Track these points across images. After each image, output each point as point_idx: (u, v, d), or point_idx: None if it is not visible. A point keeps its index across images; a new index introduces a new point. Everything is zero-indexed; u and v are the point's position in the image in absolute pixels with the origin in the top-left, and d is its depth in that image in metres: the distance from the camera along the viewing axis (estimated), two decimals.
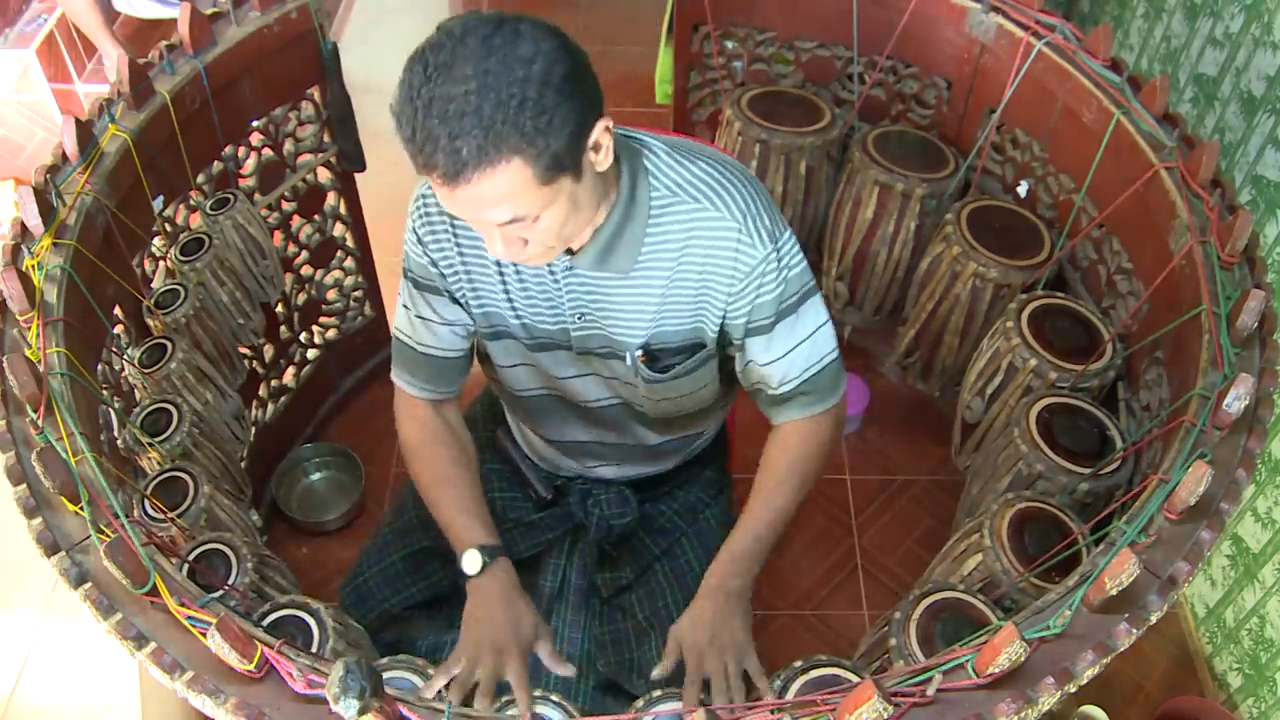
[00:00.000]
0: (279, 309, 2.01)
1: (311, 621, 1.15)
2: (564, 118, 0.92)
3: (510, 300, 1.20)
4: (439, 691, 1.08)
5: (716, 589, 1.20)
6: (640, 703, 1.05)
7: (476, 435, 1.52)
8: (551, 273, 1.15)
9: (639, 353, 1.19)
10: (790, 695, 1.04)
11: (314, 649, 1.12)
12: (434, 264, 1.21)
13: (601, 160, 1.01)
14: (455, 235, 1.18)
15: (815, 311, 1.20)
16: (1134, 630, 0.96)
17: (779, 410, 1.26)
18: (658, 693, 1.06)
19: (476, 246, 1.17)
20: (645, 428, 1.36)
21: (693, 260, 1.12)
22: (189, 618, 0.94)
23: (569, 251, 1.13)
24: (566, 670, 1.19)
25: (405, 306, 1.27)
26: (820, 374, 1.22)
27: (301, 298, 2.09)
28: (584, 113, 0.95)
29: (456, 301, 1.24)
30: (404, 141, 0.94)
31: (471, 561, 1.21)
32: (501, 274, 1.18)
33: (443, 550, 1.43)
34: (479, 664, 1.11)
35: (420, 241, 1.20)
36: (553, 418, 1.37)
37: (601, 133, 0.98)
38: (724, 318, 1.17)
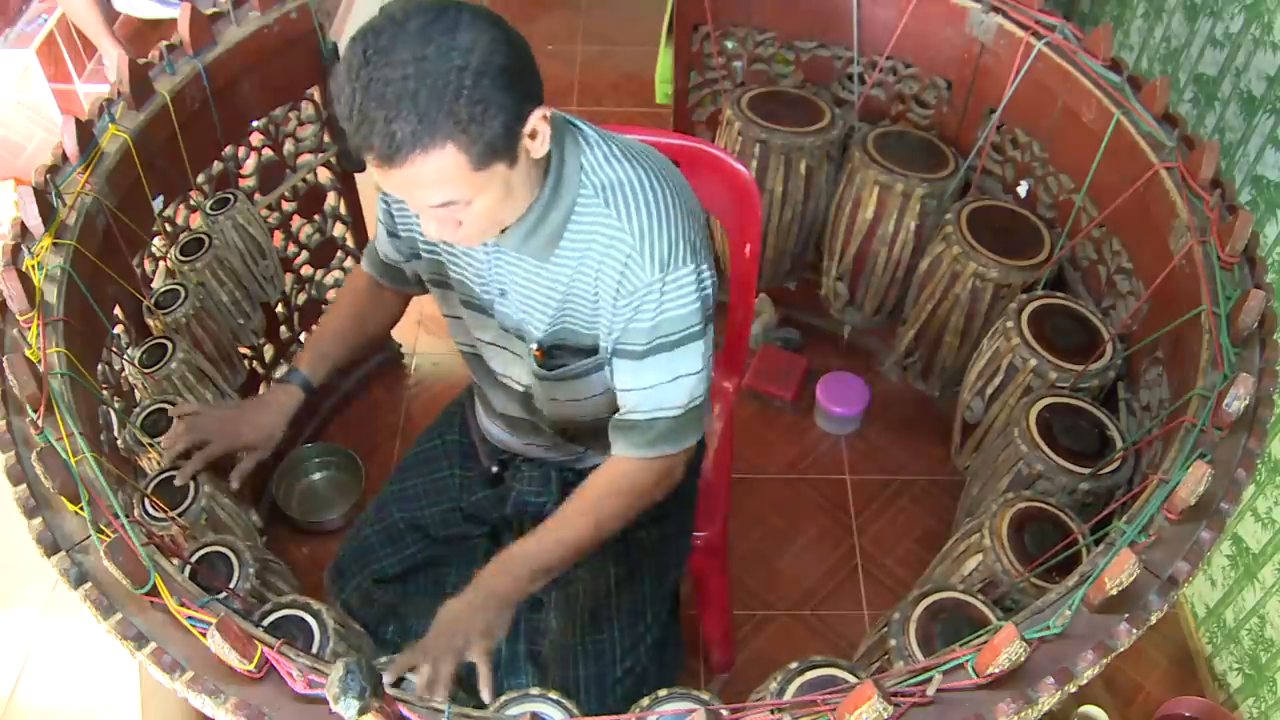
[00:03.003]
0: (279, 309, 2.01)
1: (313, 622, 1.15)
2: (498, 107, 0.94)
3: (453, 257, 1.24)
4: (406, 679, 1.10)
5: (481, 584, 1.16)
6: (646, 701, 1.05)
7: (454, 410, 1.59)
8: (483, 246, 1.18)
9: (534, 347, 1.21)
10: (789, 695, 1.04)
11: (314, 649, 1.12)
12: (386, 198, 1.29)
13: (537, 147, 1.03)
14: (417, 218, 1.23)
15: (689, 358, 1.15)
16: (1134, 630, 0.96)
17: (614, 436, 1.22)
18: (664, 692, 1.06)
19: None
20: (544, 421, 1.35)
21: (589, 265, 1.12)
22: (189, 618, 0.94)
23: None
24: (489, 697, 1.15)
25: (380, 201, 1.33)
26: (659, 421, 1.17)
27: (301, 298, 2.09)
28: (520, 103, 0.97)
29: (394, 236, 1.32)
30: (342, 121, 0.95)
31: (281, 371, 1.38)
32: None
33: (419, 523, 1.48)
34: (203, 427, 1.31)
35: (388, 195, 1.27)
36: (480, 377, 1.40)
37: (539, 121, 1.00)
38: (609, 331, 1.16)
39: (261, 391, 2.03)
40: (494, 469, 1.48)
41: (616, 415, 1.21)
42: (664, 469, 1.22)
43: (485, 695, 1.09)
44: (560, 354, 1.21)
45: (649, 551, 1.43)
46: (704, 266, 1.13)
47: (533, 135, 1.01)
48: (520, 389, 1.32)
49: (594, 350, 1.20)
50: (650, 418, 1.18)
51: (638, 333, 1.13)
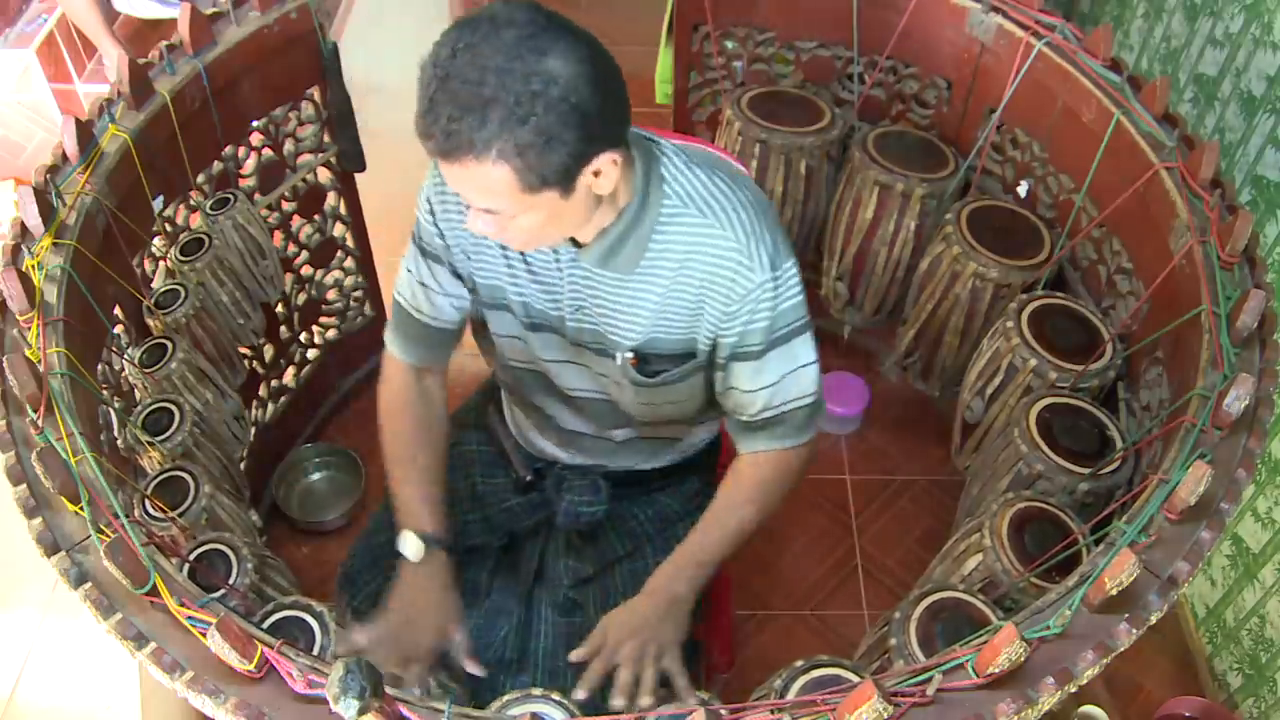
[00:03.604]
0: (279, 309, 2.01)
1: (314, 623, 1.15)
2: (561, 143, 0.93)
3: (514, 278, 1.21)
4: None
5: (660, 590, 1.20)
6: (646, 700, 1.05)
7: (469, 416, 1.56)
8: (556, 260, 1.16)
9: (629, 355, 1.19)
10: (790, 695, 1.04)
11: (316, 650, 1.12)
12: (441, 235, 1.22)
13: (601, 185, 1.01)
14: (466, 208, 1.18)
15: (806, 348, 1.18)
16: (1134, 630, 0.96)
17: (749, 438, 1.25)
18: (663, 691, 1.06)
19: None
20: (624, 427, 1.35)
21: (692, 273, 1.12)
22: (189, 618, 0.94)
23: (575, 243, 1.13)
24: (477, 670, 1.20)
25: (409, 270, 1.28)
26: (797, 411, 1.21)
27: (301, 298, 2.09)
28: (587, 143, 0.95)
29: (458, 275, 1.25)
30: (418, 100, 0.94)
31: (412, 547, 1.23)
32: (506, 253, 1.19)
33: None
34: (388, 655, 1.13)
35: (432, 210, 1.21)
36: (536, 395, 1.37)
37: (607, 164, 0.99)
38: (716, 334, 1.16)
39: (265, 407, 2.03)
40: (528, 477, 1.46)
41: (745, 417, 1.22)
42: (807, 456, 1.27)
43: (690, 699, 1.10)
44: (655, 361, 1.20)
45: None
46: (794, 260, 1.15)
47: (596, 173, 1.00)
48: (599, 398, 1.30)
49: (689, 355, 1.19)
50: (782, 412, 1.20)
51: (755, 333, 1.14)
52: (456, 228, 1.20)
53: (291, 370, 2.14)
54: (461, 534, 1.44)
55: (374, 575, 1.43)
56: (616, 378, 1.24)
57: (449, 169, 0.96)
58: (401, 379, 1.34)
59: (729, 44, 2.19)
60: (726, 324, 1.14)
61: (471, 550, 1.45)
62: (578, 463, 1.44)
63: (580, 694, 1.12)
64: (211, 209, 1.67)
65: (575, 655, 1.17)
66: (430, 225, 1.22)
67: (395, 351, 1.33)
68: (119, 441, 1.42)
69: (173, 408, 1.44)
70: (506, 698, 1.06)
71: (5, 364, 1.11)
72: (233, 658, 0.88)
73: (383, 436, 1.33)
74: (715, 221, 1.10)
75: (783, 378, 1.18)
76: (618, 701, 1.11)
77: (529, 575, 1.43)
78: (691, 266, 1.12)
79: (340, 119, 1.94)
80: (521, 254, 1.18)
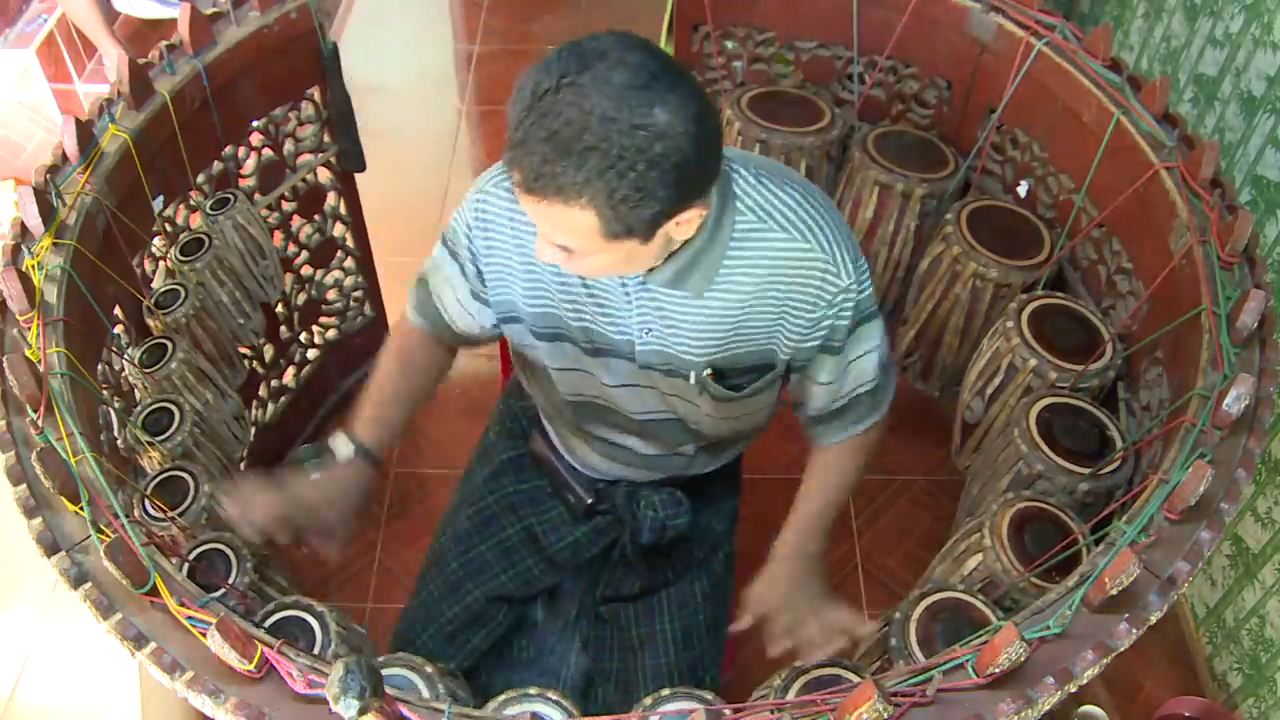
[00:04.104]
0: (279, 309, 2.01)
1: (314, 623, 1.15)
2: (656, 199, 0.90)
3: (574, 303, 1.16)
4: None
5: (794, 552, 1.26)
6: (649, 700, 1.05)
7: (500, 459, 1.51)
8: (623, 284, 1.11)
9: (707, 371, 1.16)
10: (790, 695, 1.04)
11: (316, 650, 1.12)
12: (475, 259, 1.19)
13: (679, 233, 0.99)
14: (513, 235, 1.15)
15: (873, 332, 1.19)
16: (1134, 630, 0.96)
17: (828, 431, 1.28)
18: (666, 691, 1.06)
19: None
20: (692, 443, 1.33)
21: (776, 289, 1.10)
22: (189, 618, 0.94)
23: None
24: (332, 552, 1.23)
25: (436, 264, 1.24)
26: (868, 393, 1.23)
27: (301, 298, 2.09)
28: (679, 200, 0.93)
29: (479, 299, 1.23)
30: (509, 122, 0.91)
31: (343, 448, 1.25)
32: (566, 278, 1.14)
33: (501, 593, 1.43)
34: (273, 509, 1.17)
35: (470, 235, 1.17)
36: (596, 425, 1.33)
37: (693, 215, 0.97)
38: (800, 342, 1.15)
39: (265, 407, 2.04)
40: (589, 500, 1.42)
41: (827, 405, 1.24)
42: (882, 428, 1.31)
43: (774, 650, 1.19)
44: (733, 374, 1.18)
45: (720, 577, 1.47)
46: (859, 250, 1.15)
47: (678, 224, 0.97)
48: (668, 417, 1.27)
49: (767, 367, 1.18)
50: (857, 395, 1.23)
51: (840, 329, 1.14)
52: (501, 257, 1.17)
53: (291, 370, 2.14)
54: (523, 584, 1.43)
55: (452, 653, 1.41)
56: (690, 396, 1.20)
57: (530, 201, 0.92)
58: (409, 331, 1.33)
59: (729, 44, 2.19)
60: (814, 330, 1.13)
61: (538, 594, 1.46)
62: (645, 478, 1.41)
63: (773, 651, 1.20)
64: (211, 209, 1.67)
65: (735, 627, 1.24)
66: (467, 248, 1.19)
67: (410, 314, 1.33)
68: (119, 441, 1.42)
69: (173, 408, 1.44)
70: (502, 697, 1.06)
71: (5, 364, 1.11)
72: (233, 658, 0.88)
73: (374, 369, 1.35)
74: (799, 236, 1.07)
75: (857, 361, 1.20)
76: (812, 657, 1.15)
77: (575, 602, 1.45)
78: (776, 282, 1.10)
79: (340, 119, 1.94)
80: (582, 280, 1.13)
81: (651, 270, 1.08)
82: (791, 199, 1.09)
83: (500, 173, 1.14)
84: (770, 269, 1.09)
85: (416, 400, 1.34)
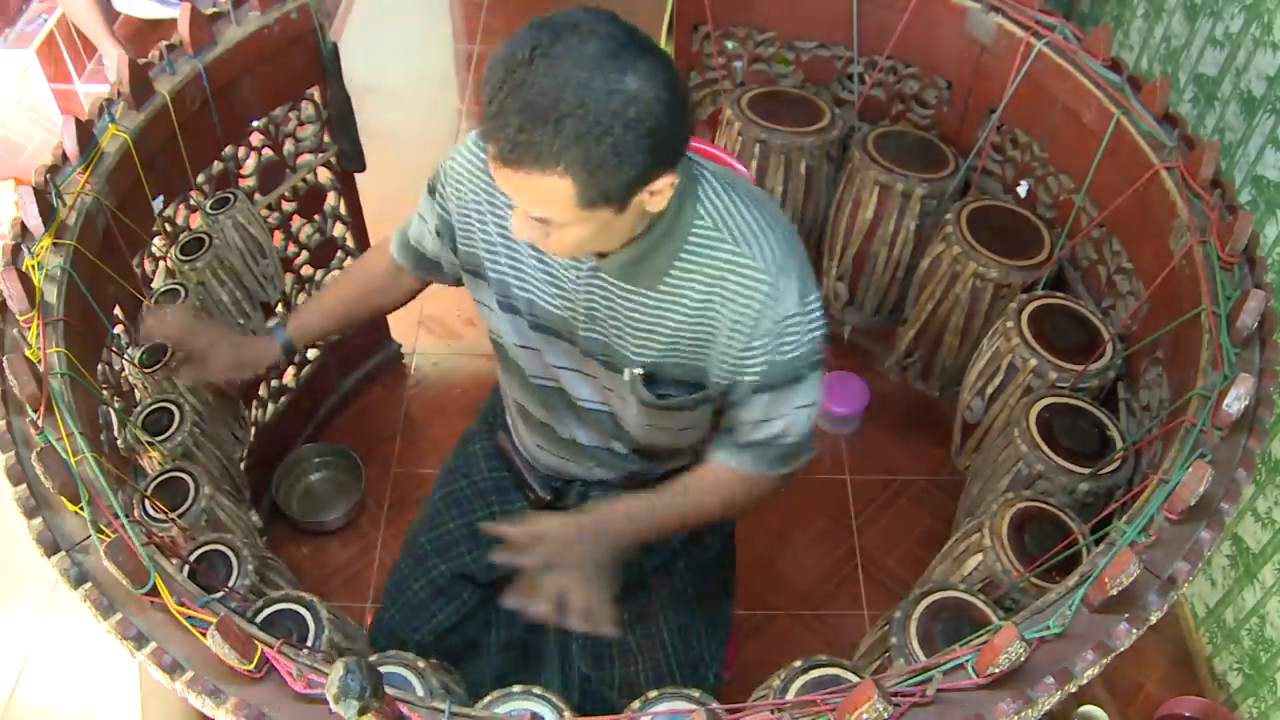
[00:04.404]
0: (279, 309, 2.01)
1: (307, 615, 1.15)
2: (632, 164, 0.91)
3: (521, 275, 1.18)
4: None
5: (612, 517, 1.21)
6: (637, 704, 1.05)
7: (475, 446, 1.53)
8: (575, 265, 1.13)
9: (638, 372, 1.17)
10: (790, 695, 1.04)
11: (310, 641, 1.12)
12: (445, 202, 1.23)
13: (653, 203, 1.00)
14: (481, 193, 1.17)
15: (816, 385, 1.16)
16: (1134, 630, 0.96)
17: (734, 454, 1.23)
18: (654, 693, 1.06)
19: (504, 217, 1.17)
20: (623, 443, 1.33)
21: (717, 300, 1.09)
22: (189, 618, 0.94)
23: (598, 253, 1.11)
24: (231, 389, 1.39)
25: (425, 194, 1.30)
26: (787, 445, 1.19)
27: (301, 298, 2.09)
28: (653, 165, 0.94)
29: (442, 236, 1.28)
30: (484, 98, 0.92)
31: (271, 324, 1.42)
32: (519, 249, 1.17)
33: (466, 572, 1.44)
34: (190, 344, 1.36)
35: (443, 183, 1.21)
36: (552, 409, 1.34)
37: (665, 184, 0.98)
38: (734, 367, 1.13)
39: (265, 407, 2.04)
40: (547, 497, 1.44)
41: (738, 437, 1.20)
42: (778, 483, 1.26)
43: (609, 631, 1.13)
44: (661, 384, 1.18)
45: (710, 567, 1.47)
46: (819, 295, 1.13)
47: (653, 193, 0.98)
48: (603, 411, 1.28)
49: (698, 386, 1.17)
50: (780, 443, 1.19)
51: (779, 365, 1.11)
52: (472, 222, 1.19)
53: (291, 370, 2.14)
54: (488, 567, 1.42)
55: (417, 625, 1.43)
56: (623, 393, 1.21)
57: (506, 174, 0.93)
58: (377, 259, 1.43)
59: (729, 44, 2.19)
60: (749, 356, 1.11)
61: (501, 581, 1.42)
62: (596, 477, 1.42)
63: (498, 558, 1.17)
64: (211, 209, 1.67)
65: (492, 528, 1.20)
66: (440, 189, 1.23)
67: (392, 249, 1.39)
68: (119, 441, 1.42)
69: (173, 408, 1.44)
70: (492, 696, 1.06)
71: (5, 364, 1.11)
72: (232, 657, 0.88)
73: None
74: (747, 251, 1.07)
75: (789, 412, 1.16)
76: (541, 608, 1.12)
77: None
78: (718, 293, 1.09)
79: (340, 119, 1.94)
80: (534, 252, 1.15)
81: (605, 256, 1.09)
82: (754, 216, 1.08)
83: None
84: (715, 278, 1.08)
85: (358, 314, 1.45)
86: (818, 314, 1.11)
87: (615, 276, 1.11)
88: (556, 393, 1.30)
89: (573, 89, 0.87)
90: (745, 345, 1.10)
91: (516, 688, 1.06)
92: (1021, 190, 1.95)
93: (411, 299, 1.45)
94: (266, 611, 1.15)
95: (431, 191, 1.25)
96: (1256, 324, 1.23)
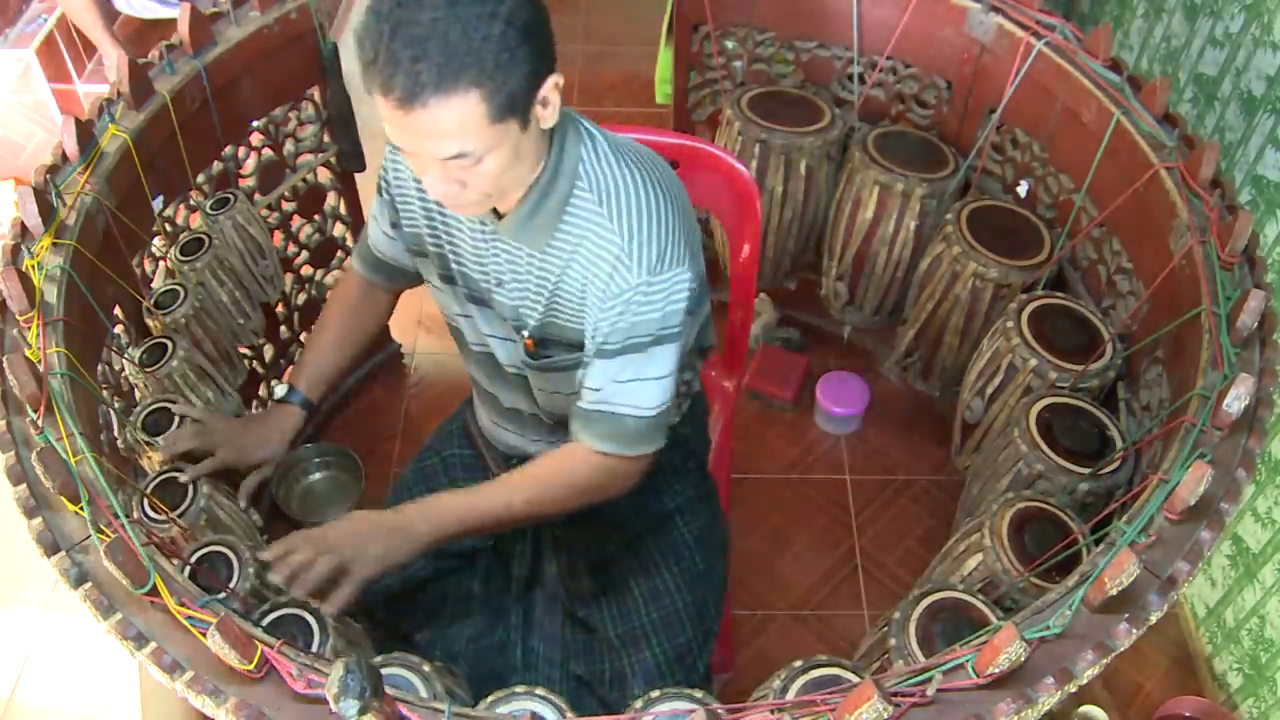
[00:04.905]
0: (279, 309, 2.01)
1: (312, 620, 1.15)
2: (523, 59, 0.96)
3: (454, 247, 1.24)
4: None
5: (404, 514, 1.19)
6: (639, 704, 1.05)
7: (453, 424, 1.58)
8: (482, 231, 1.18)
9: (525, 335, 1.21)
10: (790, 695, 1.04)
11: (315, 648, 1.12)
12: (389, 188, 1.28)
13: (548, 116, 1.04)
14: (419, 188, 1.22)
15: (663, 360, 1.14)
16: (1134, 630, 0.96)
17: (577, 424, 1.21)
18: (656, 693, 1.06)
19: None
20: (540, 411, 1.35)
21: (579, 262, 1.13)
22: (189, 618, 0.94)
23: (497, 215, 1.14)
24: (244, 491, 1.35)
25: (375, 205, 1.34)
26: (633, 420, 1.17)
27: (301, 298, 2.09)
28: (540, 60, 0.98)
29: (396, 227, 1.32)
30: (364, 65, 0.95)
31: (280, 390, 1.43)
32: (446, 219, 1.22)
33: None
34: (204, 439, 1.33)
35: (385, 167, 1.27)
36: (485, 376, 1.38)
37: (551, 89, 1.01)
38: (593, 330, 1.15)
39: (265, 406, 2.04)
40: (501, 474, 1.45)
41: (580, 404, 1.19)
42: (621, 471, 1.22)
43: (327, 609, 1.11)
44: (550, 346, 1.22)
45: (689, 549, 1.45)
46: (690, 273, 1.12)
47: (544, 103, 1.02)
48: (519, 375, 1.32)
49: (580, 346, 1.19)
50: (613, 413, 1.17)
51: (618, 331, 1.13)
52: (410, 201, 1.24)
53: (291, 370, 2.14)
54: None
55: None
56: (523, 356, 1.25)
57: (414, 119, 0.95)
58: (351, 277, 1.45)
59: (729, 44, 2.19)
60: (599, 318, 1.13)
61: (462, 556, 1.45)
62: (537, 450, 1.42)
63: (264, 555, 1.15)
64: (211, 209, 1.67)
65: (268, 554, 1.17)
66: (384, 176, 1.27)
67: (353, 261, 1.44)
68: (119, 441, 1.42)
69: (172, 408, 1.44)
70: (491, 698, 1.06)
71: (5, 364, 1.11)
72: (233, 658, 0.88)
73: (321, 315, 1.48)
74: (608, 216, 1.10)
75: (627, 382, 1.15)
76: (275, 576, 1.13)
77: (523, 578, 1.44)
78: (580, 254, 1.12)
79: (340, 119, 1.94)
80: (455, 223, 1.20)
81: (501, 218, 1.13)
82: (627, 180, 1.11)
83: None
84: (579, 238, 1.12)
85: (351, 346, 1.46)
86: (671, 287, 1.11)
87: (512, 238, 1.15)
88: (490, 359, 1.34)
89: (445, 8, 0.91)
90: (598, 306, 1.13)
91: (519, 688, 1.06)
92: (1021, 190, 1.95)
93: (390, 314, 1.49)
94: (272, 616, 1.14)
95: (380, 191, 1.30)
96: (1256, 324, 1.23)
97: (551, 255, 1.15)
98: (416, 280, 1.39)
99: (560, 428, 1.37)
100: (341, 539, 1.16)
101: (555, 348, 1.22)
